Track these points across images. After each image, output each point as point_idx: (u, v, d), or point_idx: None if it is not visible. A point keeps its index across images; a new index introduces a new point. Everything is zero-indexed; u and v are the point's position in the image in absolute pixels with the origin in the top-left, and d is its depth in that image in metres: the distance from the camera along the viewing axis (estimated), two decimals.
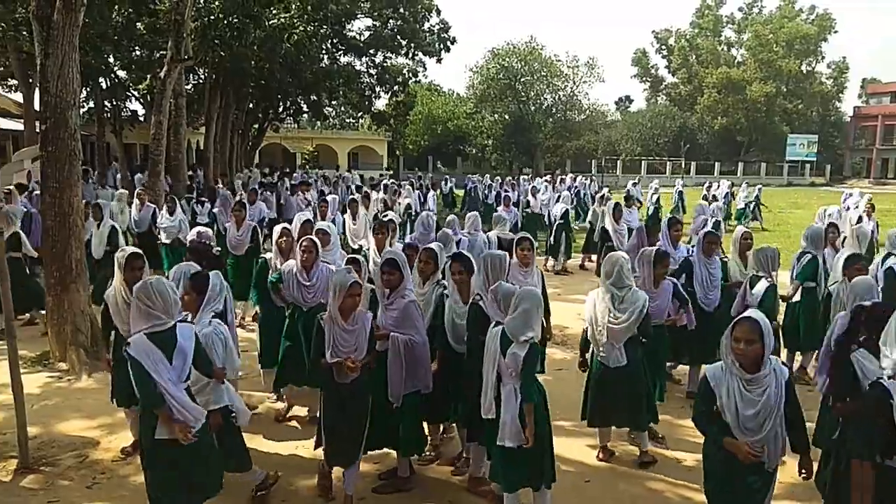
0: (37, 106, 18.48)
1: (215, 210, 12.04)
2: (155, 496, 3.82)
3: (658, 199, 18.74)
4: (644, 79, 69.66)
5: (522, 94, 51.29)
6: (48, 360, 7.28)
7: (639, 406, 4.98)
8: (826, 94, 63.01)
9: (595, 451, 5.36)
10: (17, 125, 19.41)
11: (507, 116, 52.45)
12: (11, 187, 11.28)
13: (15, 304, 5.55)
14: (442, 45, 28.33)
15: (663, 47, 66.50)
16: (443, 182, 26.55)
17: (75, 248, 7.25)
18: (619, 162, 54.90)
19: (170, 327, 3.70)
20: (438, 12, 28.01)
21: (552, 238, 13.03)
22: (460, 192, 25.24)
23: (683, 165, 53.37)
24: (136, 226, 11.39)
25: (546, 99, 52.72)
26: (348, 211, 10.37)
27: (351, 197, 11.95)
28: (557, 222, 12.95)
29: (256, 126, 32.93)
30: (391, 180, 22.44)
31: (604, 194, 14.72)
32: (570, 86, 51.71)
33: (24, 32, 15.84)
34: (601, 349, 4.89)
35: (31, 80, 17.92)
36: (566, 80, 51.52)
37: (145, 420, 3.73)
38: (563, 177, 25.45)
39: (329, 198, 11.73)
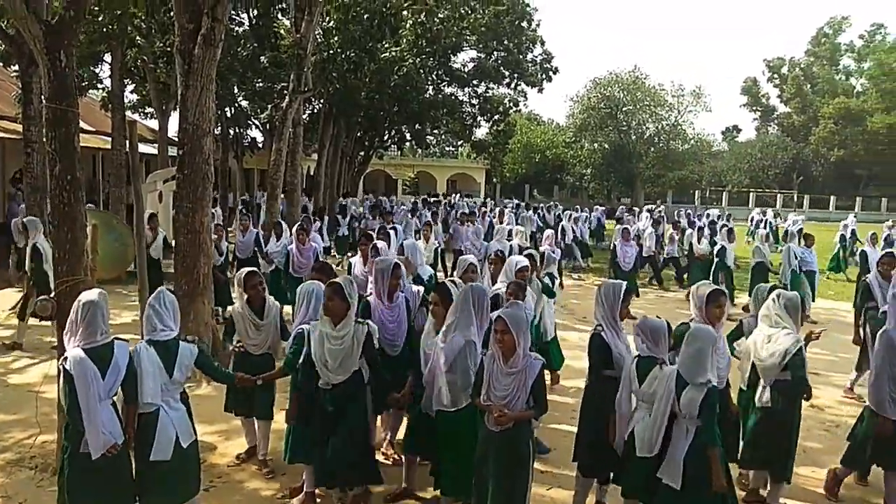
0: (170, 133, 19.90)
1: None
2: None
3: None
4: (754, 108, 66.92)
5: (624, 123, 50.40)
6: None
7: None
8: None
9: None
10: (152, 149, 20.63)
11: (606, 146, 51.69)
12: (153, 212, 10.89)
13: None
14: (544, 76, 28.31)
15: (775, 76, 63.67)
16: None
17: (203, 263, 7.62)
18: (724, 193, 52.72)
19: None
20: (542, 43, 28.07)
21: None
22: None
23: (796, 199, 50.51)
24: (240, 251, 10.62)
25: (648, 128, 51.57)
26: None
27: None
28: (716, 261, 12.49)
29: (363, 153, 34.01)
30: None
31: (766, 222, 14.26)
32: (675, 115, 50.41)
33: (162, 64, 16.52)
34: None
35: (165, 109, 18.91)
36: (670, 110, 50.30)
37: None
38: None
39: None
